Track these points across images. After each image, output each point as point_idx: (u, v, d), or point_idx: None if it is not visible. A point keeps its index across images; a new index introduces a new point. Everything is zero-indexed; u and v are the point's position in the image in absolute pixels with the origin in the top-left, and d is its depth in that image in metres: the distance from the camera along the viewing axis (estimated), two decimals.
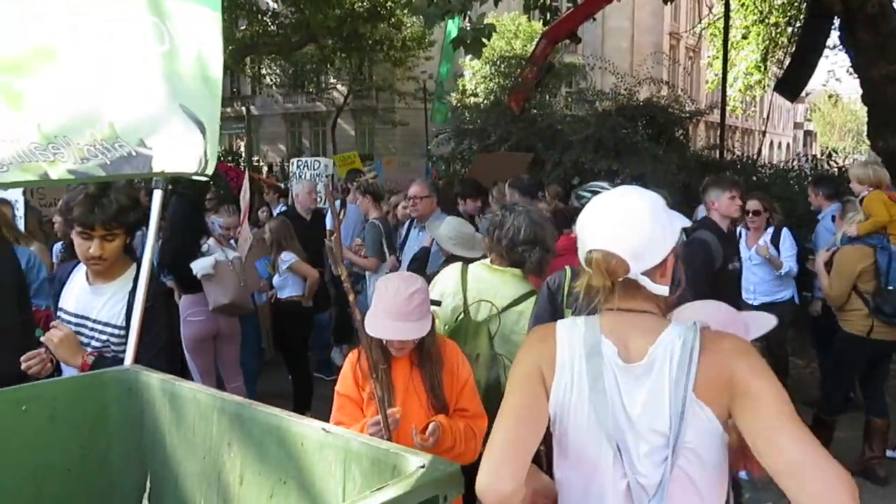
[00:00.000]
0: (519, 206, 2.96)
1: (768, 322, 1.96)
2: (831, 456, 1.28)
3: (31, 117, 1.83)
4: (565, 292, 2.46)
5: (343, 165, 11.01)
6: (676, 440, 1.40)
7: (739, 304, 4.23)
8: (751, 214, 5.34)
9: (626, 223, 1.47)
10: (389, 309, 2.20)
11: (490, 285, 2.79)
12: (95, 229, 2.40)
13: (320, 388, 5.60)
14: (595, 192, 2.70)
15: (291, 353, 5.60)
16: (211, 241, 4.80)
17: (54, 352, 2.41)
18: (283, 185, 10.94)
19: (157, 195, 2.23)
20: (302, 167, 8.25)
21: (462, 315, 2.80)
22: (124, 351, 2.40)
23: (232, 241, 5.36)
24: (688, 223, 1.57)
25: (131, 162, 1.96)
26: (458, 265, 2.99)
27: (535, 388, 1.52)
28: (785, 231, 5.51)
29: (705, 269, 3.79)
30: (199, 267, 4.52)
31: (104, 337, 2.51)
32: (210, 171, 2.16)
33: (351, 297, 1.73)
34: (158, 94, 2.05)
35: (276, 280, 5.55)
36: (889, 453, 4.68)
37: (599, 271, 1.47)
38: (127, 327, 2.41)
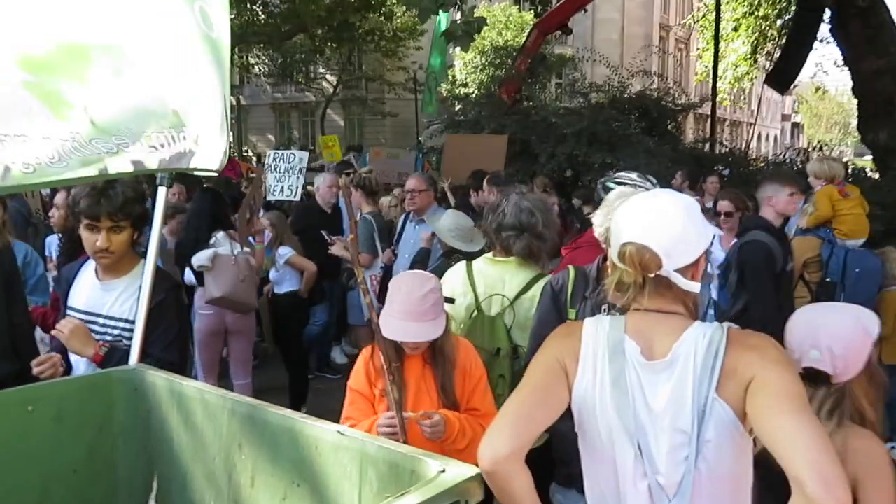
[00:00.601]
0: (515, 193, 2.91)
1: None
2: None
3: (80, 114, 1.81)
4: (569, 293, 2.39)
5: (326, 148, 10.66)
6: (698, 438, 1.41)
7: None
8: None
9: (661, 219, 1.48)
10: (404, 309, 2.18)
11: (496, 278, 2.77)
12: (102, 220, 2.41)
13: (318, 382, 5.58)
14: (622, 183, 2.71)
15: (289, 347, 5.57)
16: (220, 234, 4.74)
17: (66, 343, 2.42)
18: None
19: (162, 192, 2.20)
20: (277, 160, 8.07)
21: (476, 312, 2.77)
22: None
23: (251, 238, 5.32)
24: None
25: (182, 159, 1.93)
26: (461, 264, 2.97)
27: (555, 376, 1.54)
28: None
29: (769, 273, 3.55)
30: (196, 260, 4.48)
31: (116, 332, 2.51)
32: (222, 167, 2.14)
33: (366, 300, 1.71)
34: (211, 83, 2.01)
35: (273, 274, 5.47)
36: None
37: (633, 265, 1.47)
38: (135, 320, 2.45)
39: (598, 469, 1.55)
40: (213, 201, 5.01)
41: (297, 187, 7.32)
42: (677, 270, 1.47)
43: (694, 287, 1.49)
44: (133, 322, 2.42)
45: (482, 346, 2.63)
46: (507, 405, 1.51)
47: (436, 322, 2.25)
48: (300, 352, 5.62)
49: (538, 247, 2.80)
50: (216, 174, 2.00)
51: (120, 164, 1.75)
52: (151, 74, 1.96)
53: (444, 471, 1.30)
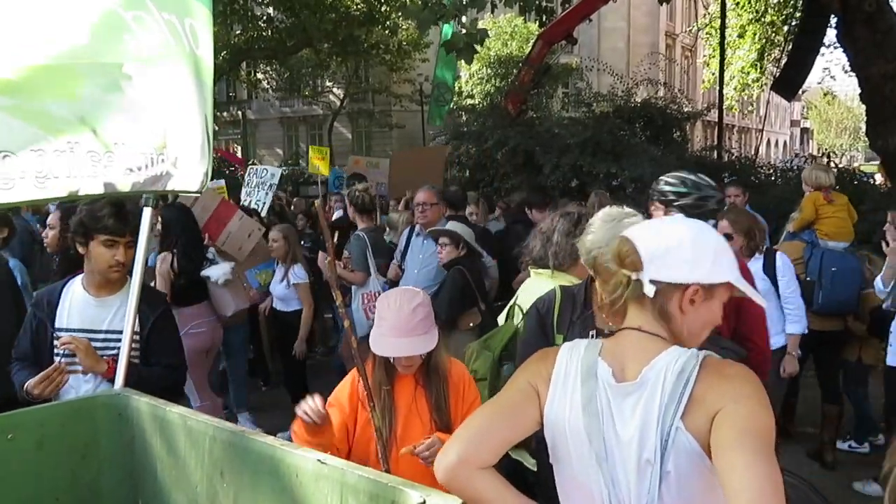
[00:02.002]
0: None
1: None
2: (778, 498, 1.19)
3: (76, 125, 1.79)
4: (556, 315, 2.32)
5: (315, 159, 10.33)
6: (661, 468, 1.32)
7: None
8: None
9: (662, 227, 1.47)
10: (394, 326, 2.13)
11: (533, 291, 2.76)
12: (124, 237, 2.54)
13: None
14: (681, 180, 2.82)
15: (292, 365, 5.48)
16: (212, 249, 4.73)
17: (82, 362, 2.47)
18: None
19: (147, 212, 2.17)
20: (251, 174, 8.03)
21: (507, 319, 2.89)
22: (138, 357, 2.55)
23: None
24: (731, 276, 1.43)
25: (159, 181, 1.91)
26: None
27: (525, 396, 1.50)
28: (780, 256, 4.26)
29: None
30: (218, 274, 4.44)
31: (120, 345, 2.51)
32: (203, 188, 2.11)
33: (346, 324, 1.67)
34: (194, 103, 1.98)
35: (281, 291, 5.35)
36: (839, 444, 4.83)
37: (612, 256, 1.47)
38: (139, 333, 2.51)
39: (573, 495, 1.49)
40: (190, 215, 4.81)
41: (264, 202, 7.33)
42: (658, 285, 1.40)
43: (672, 313, 1.41)
44: (136, 332, 2.44)
45: (498, 349, 2.75)
46: (469, 419, 1.50)
47: (427, 336, 2.19)
48: (302, 371, 5.52)
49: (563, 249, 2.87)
50: (197, 195, 1.97)
51: (91, 186, 1.73)
52: (146, 92, 1.93)
53: (424, 501, 1.25)
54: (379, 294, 5.09)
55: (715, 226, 2.96)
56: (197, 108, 1.95)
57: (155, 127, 1.93)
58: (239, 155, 24.22)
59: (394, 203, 7.80)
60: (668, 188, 2.88)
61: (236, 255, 5.31)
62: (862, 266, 4.65)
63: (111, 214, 2.52)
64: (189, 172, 1.92)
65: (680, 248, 1.41)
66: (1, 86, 1.68)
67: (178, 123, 1.93)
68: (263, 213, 7.26)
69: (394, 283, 4.96)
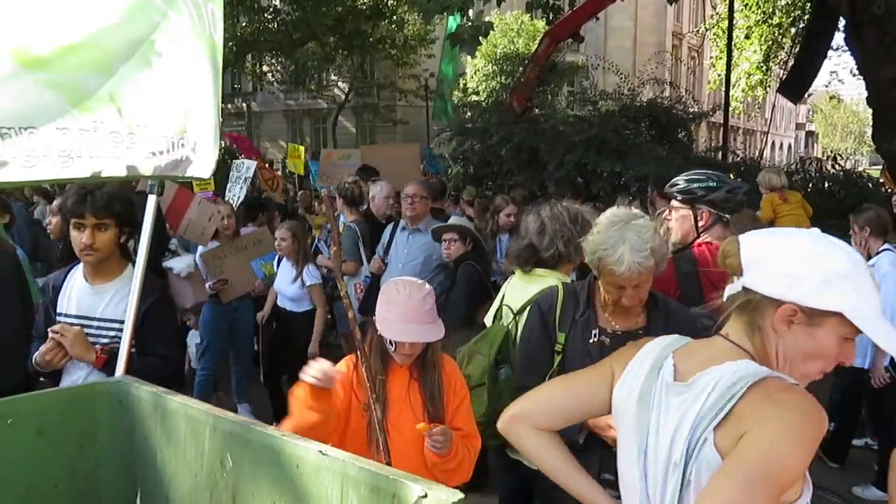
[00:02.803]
0: (558, 205, 2.92)
1: None
2: None
3: (104, 103, 1.77)
4: (558, 313, 2.30)
5: (291, 157, 10.09)
6: (683, 476, 1.30)
7: None
8: None
9: (776, 232, 1.38)
10: (406, 313, 2.14)
11: (520, 290, 2.76)
12: (87, 218, 2.49)
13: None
14: (707, 176, 2.85)
15: (293, 361, 5.12)
16: (175, 239, 4.69)
17: (70, 349, 2.47)
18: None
19: (152, 199, 2.16)
20: (233, 170, 8.03)
21: (494, 321, 2.83)
22: (133, 346, 2.44)
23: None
24: (845, 306, 1.25)
25: (179, 166, 1.90)
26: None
27: (599, 374, 1.57)
28: None
29: None
30: (181, 266, 4.36)
31: (112, 334, 2.54)
32: (212, 174, 2.10)
33: (350, 314, 1.66)
34: (209, 88, 1.97)
35: (293, 291, 5.11)
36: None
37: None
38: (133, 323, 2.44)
39: (624, 475, 1.50)
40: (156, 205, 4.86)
41: (238, 196, 7.29)
42: (753, 294, 1.32)
43: (764, 329, 1.31)
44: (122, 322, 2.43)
45: (490, 352, 2.68)
46: (544, 384, 1.64)
47: (436, 324, 2.22)
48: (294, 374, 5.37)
49: (566, 252, 2.81)
50: (207, 181, 1.97)
51: (115, 168, 1.71)
52: (173, 74, 1.92)
53: (426, 495, 1.24)
54: (363, 284, 5.07)
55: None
56: (212, 93, 1.94)
57: (177, 110, 1.92)
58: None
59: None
60: (695, 185, 2.88)
61: (199, 241, 5.26)
62: None
63: (73, 195, 2.51)
64: (204, 159, 1.92)
65: (784, 260, 1.30)
66: (36, 61, 1.67)
67: (198, 108, 1.92)
68: (235, 207, 7.05)
69: (376, 277, 4.89)
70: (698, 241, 2.89)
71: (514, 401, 1.58)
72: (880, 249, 4.27)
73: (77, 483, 1.85)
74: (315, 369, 1.96)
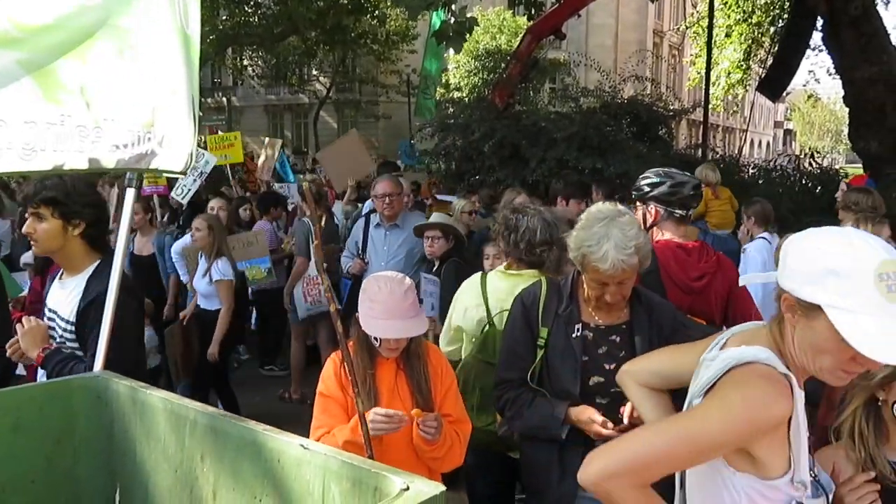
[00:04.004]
0: (530, 208, 2.91)
1: None
2: (642, 448, 1.37)
3: (75, 97, 1.75)
4: (541, 308, 2.31)
5: (222, 148, 8.93)
6: None
7: None
8: None
9: (816, 230, 1.39)
10: (389, 309, 2.15)
11: (508, 292, 2.71)
12: (27, 207, 2.46)
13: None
14: (654, 172, 2.90)
15: (215, 370, 4.94)
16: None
17: (21, 342, 2.39)
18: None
19: (130, 193, 2.14)
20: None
21: (487, 326, 2.74)
22: (76, 347, 2.43)
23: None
24: (826, 300, 1.30)
25: (143, 160, 1.88)
26: (476, 276, 2.95)
27: (697, 349, 1.62)
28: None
29: None
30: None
31: (60, 331, 2.49)
32: (188, 169, 2.08)
33: (332, 308, 1.65)
34: (182, 82, 1.95)
35: (203, 286, 4.89)
36: None
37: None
38: (78, 323, 2.40)
39: None
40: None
41: (189, 189, 6.96)
42: (780, 286, 1.39)
43: (785, 319, 1.40)
44: (70, 322, 2.40)
45: (492, 359, 2.60)
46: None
47: (419, 318, 2.24)
48: (226, 375, 5.10)
49: (565, 258, 2.78)
50: (182, 176, 1.95)
51: (77, 161, 1.70)
52: (143, 65, 1.90)
53: (407, 488, 1.24)
54: (318, 279, 5.03)
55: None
56: (185, 87, 1.92)
57: (145, 104, 1.90)
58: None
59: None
60: (642, 182, 2.91)
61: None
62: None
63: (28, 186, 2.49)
64: (174, 152, 1.90)
65: (792, 253, 1.37)
66: (11, 40, 1.65)
67: (167, 102, 1.90)
68: (185, 200, 6.92)
69: (357, 278, 4.71)
70: (656, 238, 2.89)
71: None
72: (758, 236, 4.94)
73: (54, 479, 1.83)
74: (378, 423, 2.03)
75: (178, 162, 1.89)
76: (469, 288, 2.93)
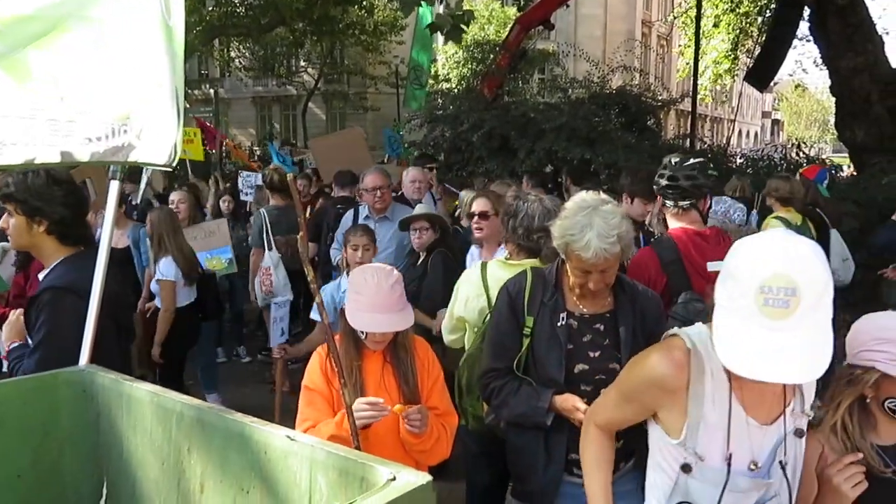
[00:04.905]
0: (532, 195, 2.90)
1: None
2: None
3: (49, 88, 1.73)
4: (526, 297, 2.32)
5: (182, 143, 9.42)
6: None
7: None
8: (476, 218, 3.64)
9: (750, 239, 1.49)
10: (376, 302, 2.15)
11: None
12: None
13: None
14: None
15: (170, 368, 4.78)
16: None
17: (3, 334, 2.42)
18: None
19: (114, 185, 2.12)
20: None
21: (489, 316, 2.72)
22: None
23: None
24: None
25: (119, 152, 1.86)
26: (476, 265, 2.94)
27: None
28: None
29: None
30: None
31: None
32: (175, 161, 2.06)
33: (318, 300, 1.65)
34: (163, 74, 1.92)
35: (153, 285, 4.79)
36: None
37: None
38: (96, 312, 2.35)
39: None
40: None
41: (139, 188, 6.83)
42: None
43: None
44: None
45: None
46: None
47: (405, 312, 2.24)
48: (181, 375, 4.97)
49: None
50: (170, 169, 1.93)
51: (48, 155, 1.69)
52: (119, 56, 1.88)
53: (394, 478, 1.25)
54: (270, 269, 5.03)
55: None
56: (168, 79, 1.89)
57: (120, 96, 1.88)
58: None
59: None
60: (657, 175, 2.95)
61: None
62: None
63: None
64: (155, 145, 1.88)
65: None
66: None
67: (146, 94, 1.88)
68: (137, 200, 6.84)
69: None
70: (670, 228, 2.94)
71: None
72: None
73: (40, 473, 1.82)
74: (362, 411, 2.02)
75: (160, 155, 1.87)
76: (470, 278, 2.95)
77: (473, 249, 3.90)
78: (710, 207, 4.45)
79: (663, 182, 2.90)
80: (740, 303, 1.37)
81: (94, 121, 1.81)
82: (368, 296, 2.16)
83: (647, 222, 4.12)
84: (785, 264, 1.34)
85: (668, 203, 2.91)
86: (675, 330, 1.68)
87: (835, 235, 4.98)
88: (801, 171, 6.98)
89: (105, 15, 1.82)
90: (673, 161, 2.95)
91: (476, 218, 3.61)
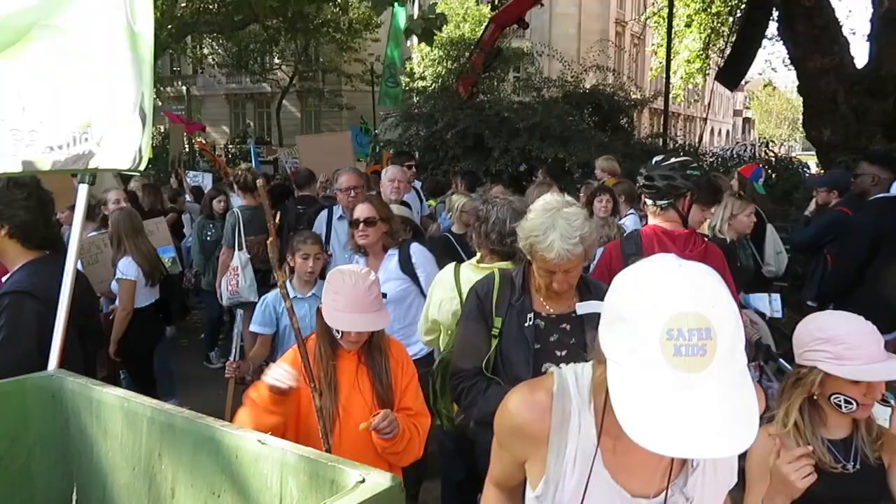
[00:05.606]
0: (500, 198, 2.91)
1: None
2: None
3: (12, 99, 1.71)
4: (494, 298, 2.35)
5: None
6: None
7: None
8: (362, 225, 3.48)
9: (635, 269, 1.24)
10: (352, 302, 2.17)
11: None
12: None
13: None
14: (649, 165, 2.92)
15: (136, 371, 4.77)
16: None
17: None
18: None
19: (83, 189, 2.11)
20: None
21: None
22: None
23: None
24: None
25: (80, 160, 1.85)
26: (449, 269, 2.96)
27: None
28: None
29: None
30: None
31: None
32: (143, 166, 2.06)
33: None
34: (127, 80, 1.91)
35: (113, 285, 4.71)
36: None
37: None
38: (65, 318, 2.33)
39: None
40: None
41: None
42: None
43: None
44: None
45: None
46: None
47: (382, 312, 2.26)
48: (151, 376, 4.91)
49: None
50: (137, 174, 1.92)
51: (10, 164, 1.68)
52: (82, 65, 1.87)
53: (363, 480, 1.26)
54: (237, 269, 5.05)
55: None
56: (132, 85, 1.89)
57: (82, 104, 1.87)
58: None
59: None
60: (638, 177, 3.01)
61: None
62: None
63: None
64: (117, 151, 1.87)
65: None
66: None
67: (108, 101, 1.87)
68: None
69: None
70: (646, 225, 3.01)
71: None
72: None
73: (9, 478, 1.81)
74: (277, 371, 1.94)
75: (123, 160, 1.87)
76: (442, 281, 2.96)
77: (359, 259, 3.65)
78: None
79: (641, 181, 2.97)
80: (641, 355, 1.04)
81: (55, 129, 1.81)
82: (346, 296, 2.17)
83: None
84: (691, 298, 1.03)
85: (648, 202, 2.97)
86: (554, 368, 1.44)
87: (770, 230, 5.17)
88: (738, 169, 7.16)
89: (69, 23, 1.81)
90: (653, 161, 3.00)
91: (361, 225, 3.44)
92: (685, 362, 1.00)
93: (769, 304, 3.94)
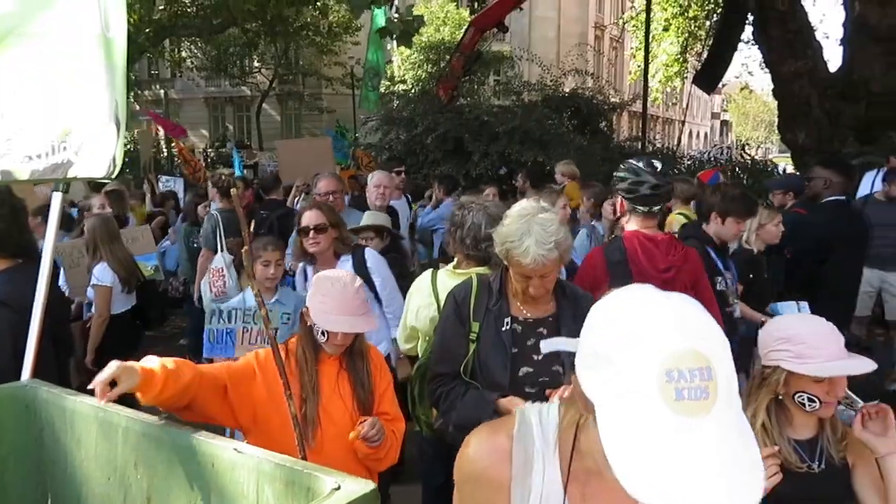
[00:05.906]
0: (475, 203, 2.91)
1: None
2: None
3: None
4: (472, 303, 2.37)
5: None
6: None
7: None
8: (312, 232, 3.34)
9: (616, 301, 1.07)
10: (341, 305, 2.18)
11: None
12: None
13: None
14: (627, 166, 2.92)
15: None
16: None
17: None
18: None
19: (57, 197, 2.09)
20: None
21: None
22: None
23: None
24: None
25: (58, 169, 1.84)
26: (426, 276, 2.97)
27: None
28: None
29: None
30: None
31: None
32: (116, 174, 2.04)
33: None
34: (101, 88, 1.90)
35: (89, 291, 4.65)
36: None
37: None
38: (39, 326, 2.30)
39: None
40: None
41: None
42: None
43: None
44: None
45: None
46: None
47: (368, 316, 2.27)
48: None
49: None
50: (111, 181, 1.92)
51: None
52: (58, 72, 1.86)
53: (338, 487, 1.27)
54: (223, 270, 4.94)
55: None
56: (106, 92, 1.88)
57: (59, 112, 1.87)
58: (161, 136, 22.95)
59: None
60: (616, 173, 3.01)
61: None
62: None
63: None
64: (93, 159, 1.87)
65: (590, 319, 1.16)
66: None
67: (85, 109, 1.87)
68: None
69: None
70: (625, 229, 3.01)
71: None
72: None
73: None
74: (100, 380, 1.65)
75: (98, 168, 1.86)
76: (420, 287, 2.97)
77: (307, 268, 3.57)
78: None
79: (626, 185, 2.93)
80: (636, 400, 0.91)
81: (33, 138, 1.80)
82: (335, 299, 2.18)
83: (744, 239, 4.19)
84: (684, 334, 0.92)
85: (629, 204, 2.96)
86: (519, 407, 1.30)
87: None
88: (698, 174, 7.34)
89: (44, 30, 1.80)
90: (636, 167, 2.96)
91: (311, 232, 3.33)
92: (687, 407, 0.89)
93: (798, 311, 3.90)
